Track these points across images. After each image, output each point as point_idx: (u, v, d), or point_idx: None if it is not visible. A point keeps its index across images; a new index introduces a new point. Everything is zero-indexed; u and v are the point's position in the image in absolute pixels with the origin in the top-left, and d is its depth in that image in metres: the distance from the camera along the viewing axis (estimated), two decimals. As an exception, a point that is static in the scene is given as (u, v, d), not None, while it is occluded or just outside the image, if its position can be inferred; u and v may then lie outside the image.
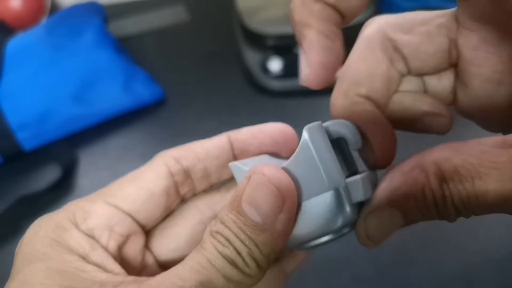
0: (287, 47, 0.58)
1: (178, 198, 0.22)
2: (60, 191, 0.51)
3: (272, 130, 0.22)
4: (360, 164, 0.19)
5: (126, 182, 0.21)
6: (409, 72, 0.21)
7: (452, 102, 0.21)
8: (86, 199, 0.20)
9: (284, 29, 0.58)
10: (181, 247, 0.22)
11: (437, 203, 0.16)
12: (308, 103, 0.57)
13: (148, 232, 0.22)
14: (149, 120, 0.58)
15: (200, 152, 0.22)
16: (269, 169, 0.17)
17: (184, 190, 0.22)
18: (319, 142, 0.18)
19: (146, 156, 0.60)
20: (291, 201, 0.17)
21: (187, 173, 0.21)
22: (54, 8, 0.72)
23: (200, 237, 0.18)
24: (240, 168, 0.19)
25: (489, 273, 0.42)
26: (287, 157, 0.20)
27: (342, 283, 0.42)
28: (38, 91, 0.54)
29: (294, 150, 0.18)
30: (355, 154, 0.19)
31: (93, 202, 0.20)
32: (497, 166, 0.15)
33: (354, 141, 0.19)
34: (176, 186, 0.21)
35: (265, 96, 0.58)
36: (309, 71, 0.19)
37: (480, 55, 0.19)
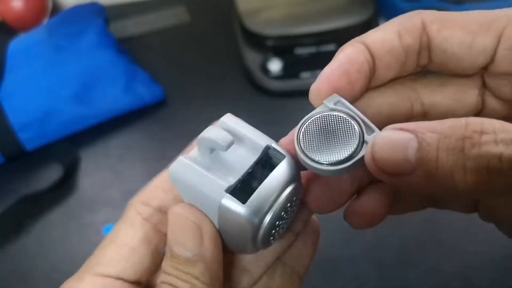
0: (287, 48, 0.59)
1: (163, 237, 0.21)
2: (61, 191, 0.51)
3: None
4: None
5: (106, 245, 0.21)
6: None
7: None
8: (74, 278, 0.21)
9: (284, 30, 0.58)
10: None
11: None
12: (308, 104, 0.57)
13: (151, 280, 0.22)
14: (150, 120, 0.58)
15: (164, 185, 0.21)
16: (180, 206, 0.18)
17: (165, 226, 0.21)
18: (184, 175, 0.18)
19: (146, 156, 0.60)
20: (208, 229, 0.18)
21: (161, 209, 0.21)
22: (55, 9, 0.72)
23: None
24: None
25: (488, 273, 0.42)
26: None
27: (343, 283, 0.42)
28: (40, 91, 0.54)
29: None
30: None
31: (81, 279, 0.20)
32: None
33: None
34: (155, 228, 0.21)
35: (265, 96, 0.58)
36: (316, 81, 0.20)
37: None
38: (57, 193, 0.51)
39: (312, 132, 0.18)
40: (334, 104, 0.19)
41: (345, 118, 0.18)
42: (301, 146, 0.18)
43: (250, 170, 0.19)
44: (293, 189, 0.19)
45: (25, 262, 0.47)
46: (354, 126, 0.18)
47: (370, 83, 0.20)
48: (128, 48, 0.64)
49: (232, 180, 0.18)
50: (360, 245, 0.44)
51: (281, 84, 0.58)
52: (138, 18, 0.71)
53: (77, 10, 0.62)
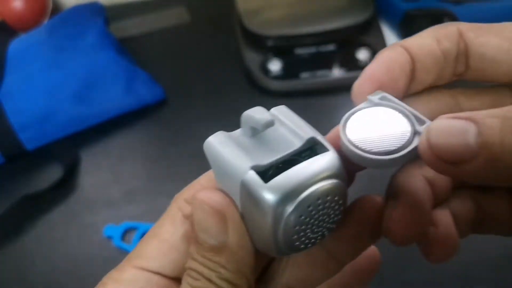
0: (287, 48, 0.59)
1: None
2: (62, 191, 0.51)
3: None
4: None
5: (148, 239, 0.21)
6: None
7: None
8: (116, 269, 0.21)
9: (284, 30, 0.59)
10: None
11: None
12: (308, 104, 0.57)
13: None
14: (150, 120, 0.58)
15: (208, 184, 0.21)
16: (204, 193, 0.18)
17: None
18: (216, 147, 0.18)
19: (147, 156, 0.61)
20: (231, 215, 0.18)
21: None
22: (55, 9, 0.72)
23: None
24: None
25: (487, 272, 0.42)
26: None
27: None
28: (40, 91, 0.54)
29: None
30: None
31: (122, 270, 0.20)
32: None
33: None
34: None
35: (265, 96, 0.58)
36: (359, 78, 0.19)
37: None
38: (57, 193, 0.51)
39: (359, 125, 0.18)
40: (379, 99, 0.18)
41: (393, 111, 0.18)
42: (348, 138, 0.17)
43: (287, 158, 0.17)
44: (332, 186, 0.17)
45: (25, 262, 0.47)
46: (404, 118, 0.17)
47: (410, 86, 0.20)
48: (128, 48, 0.64)
49: (263, 161, 0.17)
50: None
51: (281, 84, 0.58)
52: (138, 18, 0.71)
53: (77, 10, 0.62)
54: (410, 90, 0.20)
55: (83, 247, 0.47)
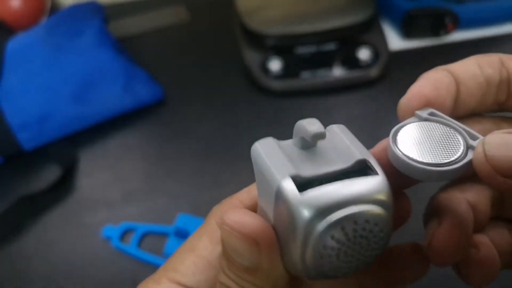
0: (287, 47, 0.58)
1: None
2: (60, 191, 0.51)
3: None
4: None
5: (185, 252, 0.21)
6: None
7: None
8: (153, 279, 0.20)
9: (284, 29, 0.58)
10: None
11: None
12: (308, 103, 0.57)
13: None
14: (149, 120, 0.58)
15: (249, 204, 0.20)
16: (233, 217, 0.17)
17: None
18: (261, 151, 0.18)
19: (146, 156, 0.60)
20: (264, 239, 0.17)
21: None
22: (54, 8, 0.72)
23: None
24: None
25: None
26: None
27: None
28: (38, 91, 0.54)
29: None
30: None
31: (158, 282, 0.20)
32: None
33: None
34: None
35: (265, 96, 0.58)
36: (406, 95, 0.19)
37: None
38: (55, 193, 0.51)
39: (410, 137, 0.17)
40: (428, 114, 0.18)
41: (444, 126, 0.17)
42: (400, 148, 0.17)
43: (332, 175, 0.16)
44: (374, 212, 0.16)
45: (23, 262, 0.46)
46: (455, 132, 0.17)
47: (454, 109, 0.19)
48: (127, 47, 0.63)
49: (305, 173, 0.16)
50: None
51: (281, 84, 0.58)
52: (137, 17, 0.71)
53: (75, 9, 0.62)
54: (453, 113, 0.20)
55: (82, 247, 0.47)
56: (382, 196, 0.16)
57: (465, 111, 0.20)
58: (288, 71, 0.58)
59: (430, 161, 0.16)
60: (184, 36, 0.68)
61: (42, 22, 0.65)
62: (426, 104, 0.19)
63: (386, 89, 0.58)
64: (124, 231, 0.47)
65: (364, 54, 0.58)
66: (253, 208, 0.20)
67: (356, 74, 0.57)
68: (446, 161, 0.16)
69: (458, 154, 0.16)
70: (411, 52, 0.61)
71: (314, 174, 0.16)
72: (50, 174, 0.53)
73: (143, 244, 0.46)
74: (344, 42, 0.58)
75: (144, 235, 0.47)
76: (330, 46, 0.58)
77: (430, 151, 0.16)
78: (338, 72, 0.57)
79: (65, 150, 0.54)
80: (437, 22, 0.61)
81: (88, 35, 0.57)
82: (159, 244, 0.46)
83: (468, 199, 0.20)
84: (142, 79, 0.58)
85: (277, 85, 0.58)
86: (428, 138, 0.17)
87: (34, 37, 0.57)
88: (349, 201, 0.16)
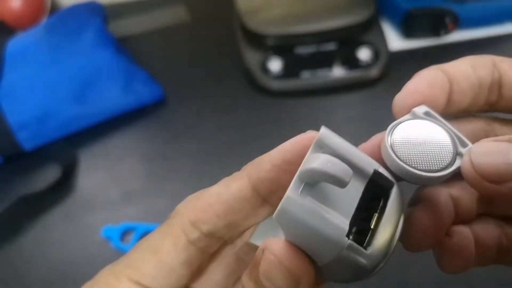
0: (287, 47, 0.58)
1: (207, 258, 0.20)
2: (60, 191, 0.51)
3: (302, 151, 0.18)
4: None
5: (147, 252, 0.20)
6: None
7: None
8: (112, 273, 0.20)
9: (284, 29, 0.58)
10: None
11: None
12: (308, 103, 0.57)
13: None
14: (149, 120, 0.58)
15: (218, 209, 0.19)
16: (280, 248, 0.17)
17: (213, 248, 0.20)
18: (297, 217, 0.16)
19: (146, 156, 0.60)
20: (305, 280, 0.17)
21: (211, 235, 0.20)
22: (54, 8, 0.72)
23: (237, 272, 0.20)
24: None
25: (489, 272, 0.42)
26: None
27: (342, 283, 0.42)
28: (38, 91, 0.54)
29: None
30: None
31: (119, 279, 0.20)
32: None
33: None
34: (199, 251, 0.20)
35: (265, 96, 0.58)
36: (402, 91, 0.20)
37: None
38: (55, 193, 0.51)
39: (404, 137, 0.18)
40: (424, 114, 0.19)
41: (438, 127, 0.18)
42: (394, 150, 0.17)
43: (361, 207, 0.17)
44: (404, 218, 0.17)
45: (23, 263, 0.46)
46: (448, 137, 0.18)
47: (446, 107, 0.20)
48: (127, 47, 0.63)
49: (345, 220, 0.16)
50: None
51: (281, 84, 0.57)
52: (137, 17, 0.71)
53: (75, 9, 0.62)
54: (446, 111, 0.20)
55: (82, 248, 0.47)
56: (403, 200, 0.18)
57: (457, 110, 0.20)
58: (288, 71, 0.58)
59: (420, 166, 0.17)
60: (184, 36, 0.68)
61: (42, 22, 0.65)
62: (421, 102, 0.19)
63: (386, 89, 0.58)
64: (124, 231, 0.47)
65: (364, 54, 0.58)
66: (223, 213, 0.19)
67: (356, 74, 0.57)
68: (434, 168, 0.17)
69: (447, 162, 0.17)
70: (411, 52, 0.61)
71: (351, 213, 0.17)
72: (50, 174, 0.52)
73: (143, 244, 0.46)
74: (344, 42, 0.58)
75: (144, 235, 0.47)
76: (330, 46, 0.58)
77: (421, 154, 0.17)
78: (338, 72, 0.57)
79: (65, 150, 0.54)
80: (437, 22, 0.61)
81: (88, 35, 0.57)
82: (159, 244, 0.46)
83: (451, 193, 0.20)
84: (142, 79, 0.58)
85: (277, 85, 0.57)
86: (421, 140, 0.18)
87: (34, 37, 0.57)
88: (397, 228, 0.17)
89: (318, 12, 0.59)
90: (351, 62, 0.57)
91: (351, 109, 0.56)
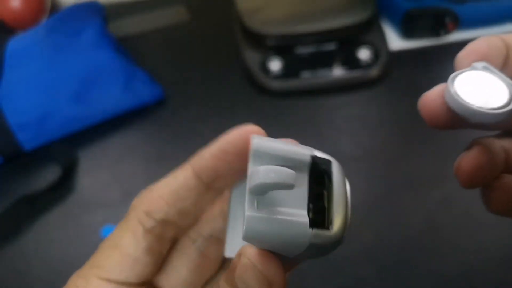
0: (287, 47, 0.58)
1: (166, 243, 0.22)
2: (60, 191, 0.51)
3: (236, 142, 0.21)
4: None
5: (109, 249, 0.21)
6: None
7: None
8: (80, 277, 0.21)
9: (284, 29, 0.58)
10: (186, 282, 0.22)
11: None
12: (308, 103, 0.57)
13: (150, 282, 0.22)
14: (149, 120, 0.58)
15: (168, 198, 0.21)
16: (254, 254, 0.18)
17: (169, 234, 0.22)
18: (262, 231, 0.17)
19: (145, 156, 0.60)
20: (277, 282, 0.18)
21: (164, 222, 0.21)
22: (54, 8, 0.72)
23: (201, 266, 0.22)
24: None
25: (489, 273, 0.42)
26: None
27: (343, 284, 0.42)
28: (38, 91, 0.54)
29: None
30: None
31: (87, 280, 0.20)
32: None
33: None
34: (157, 238, 0.21)
35: (265, 96, 0.58)
36: (464, 49, 0.21)
37: None
38: (55, 193, 0.51)
39: (465, 82, 0.20)
40: (482, 67, 0.20)
41: (495, 77, 0.20)
42: (456, 91, 0.19)
43: (312, 191, 0.18)
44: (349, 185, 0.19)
45: (23, 262, 0.46)
46: (504, 84, 0.20)
47: (503, 69, 0.22)
48: (127, 47, 0.63)
49: (303, 212, 0.17)
50: (360, 245, 0.44)
51: (281, 84, 0.58)
52: (137, 17, 0.71)
53: (75, 9, 0.62)
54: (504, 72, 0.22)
55: (81, 247, 0.47)
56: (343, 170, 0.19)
57: (511, 73, 0.22)
58: (288, 71, 0.58)
59: (480, 104, 0.19)
60: (184, 36, 0.68)
61: (42, 22, 0.65)
62: (481, 59, 0.21)
63: (386, 89, 0.58)
64: (124, 231, 0.47)
65: (364, 54, 0.58)
66: (173, 201, 0.21)
67: (356, 74, 0.57)
68: (493, 106, 0.19)
69: (505, 102, 0.19)
70: (411, 52, 0.61)
71: (306, 203, 0.18)
72: (50, 174, 0.52)
73: (143, 244, 0.46)
74: (344, 42, 0.58)
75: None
76: (330, 46, 0.58)
77: (481, 96, 0.19)
78: (338, 72, 0.57)
79: (65, 150, 0.54)
80: (437, 22, 0.61)
81: (88, 35, 0.57)
82: (159, 244, 0.46)
83: (503, 145, 0.22)
84: (142, 79, 0.58)
85: (277, 85, 0.58)
86: (480, 85, 0.20)
87: (34, 37, 0.57)
88: (347, 197, 0.19)
89: (318, 12, 0.59)
90: (351, 62, 0.57)
91: (351, 109, 0.56)
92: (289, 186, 0.16)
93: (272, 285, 0.18)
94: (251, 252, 0.18)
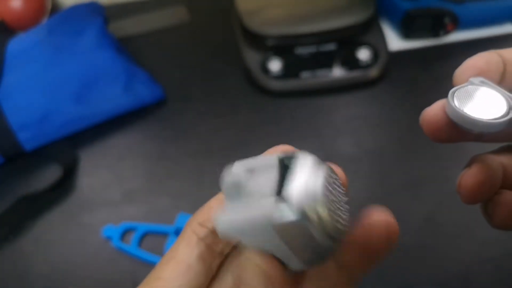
0: (287, 48, 0.59)
1: (216, 258, 0.23)
2: (60, 191, 0.51)
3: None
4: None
5: (165, 261, 0.22)
6: None
7: None
8: None
9: (284, 30, 0.58)
10: None
11: None
12: (308, 103, 0.57)
13: None
14: (150, 120, 0.58)
15: (219, 208, 0.22)
16: (261, 256, 0.19)
17: (219, 247, 0.23)
18: (234, 227, 0.19)
19: (146, 156, 0.60)
20: (277, 275, 0.19)
21: (215, 233, 0.22)
22: (54, 8, 0.72)
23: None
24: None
25: (488, 273, 0.42)
26: None
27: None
28: (39, 91, 0.54)
29: None
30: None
31: None
32: None
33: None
34: (209, 248, 0.22)
35: (265, 96, 0.58)
36: (461, 65, 0.22)
37: None
38: (56, 193, 0.51)
39: (464, 97, 0.21)
40: (480, 82, 0.21)
41: (493, 90, 0.21)
42: (459, 106, 0.20)
43: (278, 181, 0.19)
44: (327, 168, 0.19)
45: (23, 262, 0.46)
46: (501, 96, 0.21)
47: (500, 84, 0.22)
48: (127, 48, 0.63)
49: (266, 198, 0.18)
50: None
51: (281, 84, 0.58)
52: (138, 18, 0.71)
53: (76, 9, 0.62)
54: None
55: (82, 247, 0.47)
56: (317, 159, 0.19)
57: (508, 87, 0.22)
58: (288, 71, 0.58)
59: (481, 116, 0.20)
60: (184, 36, 0.68)
61: (42, 23, 0.65)
62: (478, 75, 0.22)
63: (385, 89, 0.58)
64: (124, 231, 0.47)
65: (363, 54, 0.58)
66: None
67: (356, 74, 0.57)
68: (492, 117, 0.20)
69: (503, 113, 0.20)
70: (410, 52, 0.62)
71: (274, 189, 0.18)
72: (50, 174, 0.53)
73: (144, 244, 0.46)
74: (344, 43, 0.58)
75: (145, 235, 0.47)
76: (330, 47, 0.58)
77: (481, 108, 0.20)
78: (338, 72, 0.57)
79: (65, 150, 0.54)
80: (436, 22, 0.61)
81: (88, 36, 0.57)
82: (159, 244, 0.46)
83: (501, 161, 0.23)
84: (143, 79, 0.58)
85: (277, 85, 0.58)
86: (479, 98, 0.21)
87: (35, 38, 0.57)
88: (315, 174, 0.18)
89: (318, 12, 0.59)
90: (351, 63, 0.57)
91: (351, 109, 0.56)
92: (237, 176, 0.18)
93: (272, 277, 0.19)
94: (250, 252, 0.19)
